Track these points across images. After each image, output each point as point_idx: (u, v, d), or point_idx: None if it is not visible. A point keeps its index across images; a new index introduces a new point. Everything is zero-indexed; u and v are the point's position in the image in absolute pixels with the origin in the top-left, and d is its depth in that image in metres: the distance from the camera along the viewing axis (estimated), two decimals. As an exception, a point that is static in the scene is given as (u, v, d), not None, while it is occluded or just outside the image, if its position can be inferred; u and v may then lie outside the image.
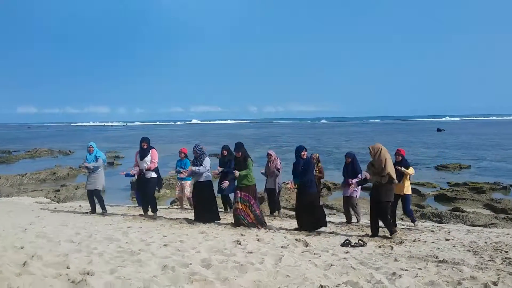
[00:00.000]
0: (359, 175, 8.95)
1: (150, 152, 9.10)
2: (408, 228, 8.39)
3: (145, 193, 9.22)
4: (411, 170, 8.49)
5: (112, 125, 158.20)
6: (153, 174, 9.15)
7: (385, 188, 7.30)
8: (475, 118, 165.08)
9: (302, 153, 8.10)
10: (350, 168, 9.14)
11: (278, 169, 9.94)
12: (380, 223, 7.53)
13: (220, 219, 8.71)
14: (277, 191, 10.12)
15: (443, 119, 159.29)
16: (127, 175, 9.57)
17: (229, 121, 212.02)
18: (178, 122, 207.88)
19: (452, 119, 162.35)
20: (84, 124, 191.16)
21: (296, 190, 8.28)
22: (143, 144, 9.10)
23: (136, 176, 9.44)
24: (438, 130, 63.60)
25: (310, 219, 7.94)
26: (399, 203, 8.66)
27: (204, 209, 8.54)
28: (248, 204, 8.09)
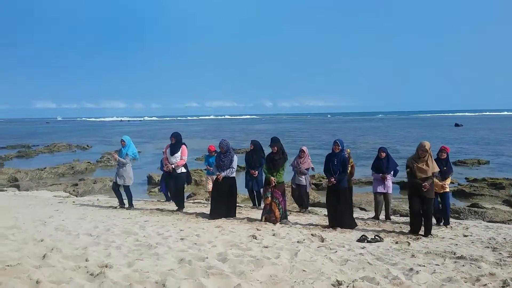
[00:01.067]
0: (393, 171, 8.87)
1: (181, 148, 9.14)
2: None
3: (175, 188, 9.30)
4: (447, 181, 8.32)
5: (128, 120, 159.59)
6: (183, 169, 9.22)
7: (431, 185, 7.13)
8: (493, 114, 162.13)
9: (334, 147, 7.96)
10: (386, 163, 9.01)
11: (309, 167, 9.89)
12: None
13: (235, 216, 8.65)
14: (307, 189, 10.10)
15: (462, 114, 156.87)
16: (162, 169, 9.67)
17: (227, 116, 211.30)
18: (189, 118, 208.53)
19: (471, 114, 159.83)
20: (98, 119, 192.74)
21: (328, 187, 8.07)
22: (171, 139, 9.21)
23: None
24: (456, 125, 62.71)
25: (343, 218, 7.81)
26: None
27: (221, 204, 8.47)
28: (276, 201, 8.07)
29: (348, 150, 8.99)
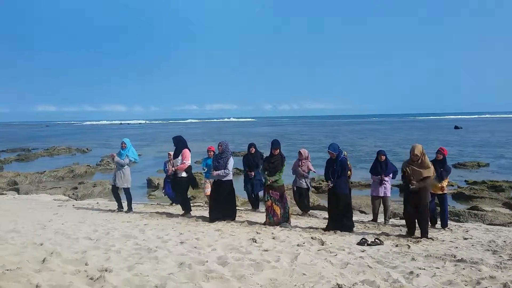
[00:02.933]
0: (391, 174, 8.86)
1: (182, 152, 9.13)
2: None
3: (177, 192, 9.37)
4: (445, 182, 8.30)
5: (128, 124, 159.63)
6: (184, 174, 9.13)
7: (424, 189, 7.12)
8: (494, 116, 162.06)
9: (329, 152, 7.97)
10: (384, 166, 9.01)
11: (309, 170, 9.89)
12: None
13: (234, 219, 8.64)
14: (309, 190, 10.11)
15: (461, 116, 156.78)
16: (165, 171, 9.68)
17: (233, 119, 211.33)
18: (190, 120, 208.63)
19: (471, 116, 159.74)
20: (96, 122, 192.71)
21: (329, 191, 8.10)
22: (174, 142, 9.26)
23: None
24: (456, 127, 62.76)
25: (343, 221, 7.81)
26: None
27: (220, 207, 8.48)
28: (277, 202, 8.10)
29: (345, 152, 9.01)
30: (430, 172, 7.09)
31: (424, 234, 7.17)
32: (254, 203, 10.66)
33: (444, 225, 8.40)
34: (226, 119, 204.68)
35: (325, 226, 8.02)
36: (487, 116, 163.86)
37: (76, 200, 13.96)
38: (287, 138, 47.78)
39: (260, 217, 9.07)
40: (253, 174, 9.98)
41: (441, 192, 8.28)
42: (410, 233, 7.30)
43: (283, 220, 8.11)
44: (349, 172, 8.98)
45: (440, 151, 8.39)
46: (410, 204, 7.22)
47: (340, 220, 7.80)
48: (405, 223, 7.68)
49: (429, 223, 8.07)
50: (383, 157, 9.05)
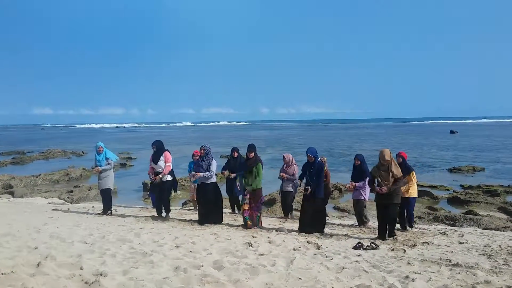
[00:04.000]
0: (366, 179, 8.89)
1: (163, 155, 9.16)
2: (421, 232, 8.32)
3: (160, 195, 9.31)
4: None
5: (124, 127, 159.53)
6: (168, 177, 9.22)
7: (395, 191, 7.32)
8: (489, 121, 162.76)
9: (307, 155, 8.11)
10: (358, 171, 9.05)
11: (295, 174, 9.91)
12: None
13: (222, 221, 8.74)
14: (293, 194, 10.11)
15: (458, 121, 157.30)
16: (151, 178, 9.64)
17: (225, 122, 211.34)
18: (188, 123, 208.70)
19: (466, 121, 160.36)
20: (92, 125, 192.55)
21: (304, 194, 8.25)
22: (152, 147, 9.28)
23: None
24: (451, 132, 62.96)
25: (313, 224, 7.98)
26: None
27: (208, 210, 8.57)
28: (252, 206, 8.24)
29: (324, 158, 9.17)
30: (399, 174, 7.36)
31: (391, 234, 7.44)
32: (233, 206, 10.74)
33: (410, 226, 8.59)
34: (220, 123, 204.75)
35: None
36: (483, 120, 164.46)
37: (71, 203, 13.89)
38: (283, 142, 47.84)
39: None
40: (232, 176, 10.07)
41: (407, 196, 8.39)
42: (380, 237, 7.44)
43: (256, 224, 8.27)
44: (327, 177, 9.21)
45: (399, 154, 8.58)
46: (379, 205, 7.48)
47: (311, 223, 7.95)
48: (397, 227, 7.79)
49: (400, 226, 8.41)
50: (358, 162, 9.09)
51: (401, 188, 7.97)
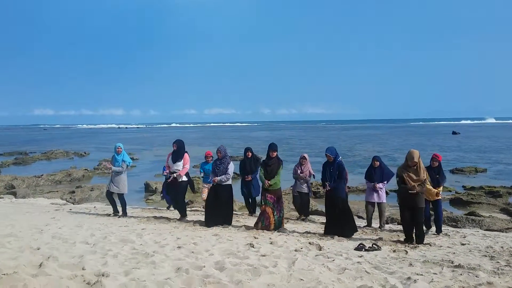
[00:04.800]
0: (386, 181, 8.86)
1: (183, 156, 9.11)
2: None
3: (176, 197, 9.27)
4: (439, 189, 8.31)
5: (126, 127, 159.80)
6: (184, 178, 9.16)
7: (420, 194, 7.15)
8: (492, 121, 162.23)
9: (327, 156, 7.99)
10: (379, 172, 9.00)
11: (310, 174, 9.90)
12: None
13: (231, 223, 8.64)
14: (308, 196, 10.10)
15: (460, 122, 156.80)
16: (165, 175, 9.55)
17: (222, 123, 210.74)
18: (191, 125, 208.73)
19: (469, 122, 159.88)
20: (94, 126, 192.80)
21: (326, 194, 8.12)
22: (173, 146, 9.14)
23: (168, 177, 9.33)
24: (454, 133, 62.87)
25: (341, 225, 7.81)
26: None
27: (218, 212, 8.46)
28: (272, 207, 8.12)
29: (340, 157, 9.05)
30: (425, 176, 7.16)
31: (421, 241, 7.18)
32: (250, 208, 10.66)
33: (438, 231, 8.42)
34: (222, 124, 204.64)
35: (322, 231, 8.03)
36: (486, 121, 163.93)
37: (74, 204, 13.93)
38: (285, 143, 47.83)
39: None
40: (250, 178, 9.98)
41: (436, 198, 8.28)
42: (408, 240, 7.29)
43: (277, 226, 8.13)
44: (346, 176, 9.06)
45: (435, 157, 8.42)
46: (406, 208, 7.22)
47: (338, 224, 7.79)
48: (402, 229, 7.68)
49: (425, 227, 8.14)
50: (377, 163, 9.05)
51: (431, 191, 7.90)
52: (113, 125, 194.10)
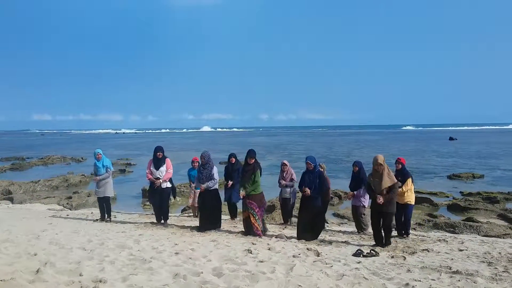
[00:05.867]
0: (363, 186, 8.88)
1: (165, 162, 9.13)
2: (421, 239, 8.31)
3: (161, 204, 9.27)
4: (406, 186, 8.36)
5: (124, 133, 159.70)
6: (168, 184, 9.22)
7: (390, 199, 7.27)
8: (490, 127, 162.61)
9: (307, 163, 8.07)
10: (356, 178, 9.04)
11: (293, 180, 9.94)
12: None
13: (220, 227, 8.77)
14: (292, 201, 10.12)
15: (457, 128, 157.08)
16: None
17: (225, 129, 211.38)
18: (185, 130, 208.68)
19: (465, 128, 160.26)
20: (91, 131, 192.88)
21: (301, 200, 8.24)
22: (158, 154, 9.09)
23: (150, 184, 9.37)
24: (451, 139, 62.98)
25: (312, 231, 7.98)
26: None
27: (208, 216, 8.59)
28: (253, 212, 8.14)
29: (323, 165, 9.19)
30: (394, 180, 7.30)
31: (387, 243, 7.38)
32: (232, 213, 10.70)
33: (406, 234, 8.50)
34: (219, 129, 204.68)
35: (320, 238, 8.09)
36: (483, 128, 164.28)
37: (71, 209, 13.87)
38: (283, 148, 47.85)
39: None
40: (230, 184, 10.07)
41: (405, 202, 8.32)
42: (377, 243, 7.45)
43: (263, 230, 8.25)
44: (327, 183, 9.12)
45: (398, 161, 8.57)
46: (376, 212, 7.40)
47: (307, 230, 7.94)
48: (393, 234, 7.78)
49: (396, 232, 8.42)
50: (356, 168, 9.08)
51: (399, 194, 7.96)
52: (110, 130, 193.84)
